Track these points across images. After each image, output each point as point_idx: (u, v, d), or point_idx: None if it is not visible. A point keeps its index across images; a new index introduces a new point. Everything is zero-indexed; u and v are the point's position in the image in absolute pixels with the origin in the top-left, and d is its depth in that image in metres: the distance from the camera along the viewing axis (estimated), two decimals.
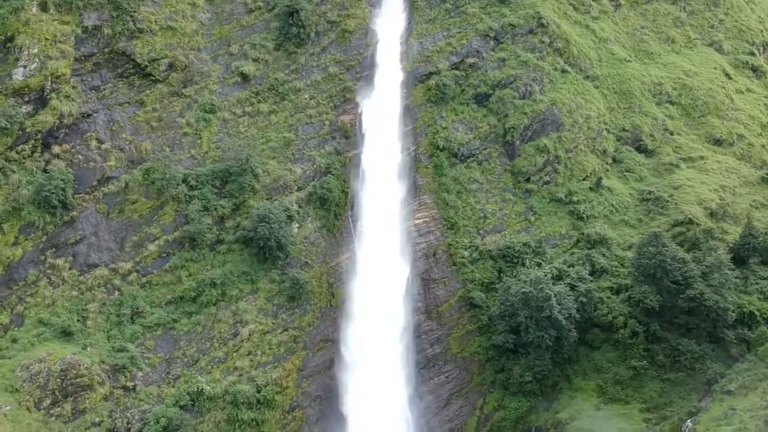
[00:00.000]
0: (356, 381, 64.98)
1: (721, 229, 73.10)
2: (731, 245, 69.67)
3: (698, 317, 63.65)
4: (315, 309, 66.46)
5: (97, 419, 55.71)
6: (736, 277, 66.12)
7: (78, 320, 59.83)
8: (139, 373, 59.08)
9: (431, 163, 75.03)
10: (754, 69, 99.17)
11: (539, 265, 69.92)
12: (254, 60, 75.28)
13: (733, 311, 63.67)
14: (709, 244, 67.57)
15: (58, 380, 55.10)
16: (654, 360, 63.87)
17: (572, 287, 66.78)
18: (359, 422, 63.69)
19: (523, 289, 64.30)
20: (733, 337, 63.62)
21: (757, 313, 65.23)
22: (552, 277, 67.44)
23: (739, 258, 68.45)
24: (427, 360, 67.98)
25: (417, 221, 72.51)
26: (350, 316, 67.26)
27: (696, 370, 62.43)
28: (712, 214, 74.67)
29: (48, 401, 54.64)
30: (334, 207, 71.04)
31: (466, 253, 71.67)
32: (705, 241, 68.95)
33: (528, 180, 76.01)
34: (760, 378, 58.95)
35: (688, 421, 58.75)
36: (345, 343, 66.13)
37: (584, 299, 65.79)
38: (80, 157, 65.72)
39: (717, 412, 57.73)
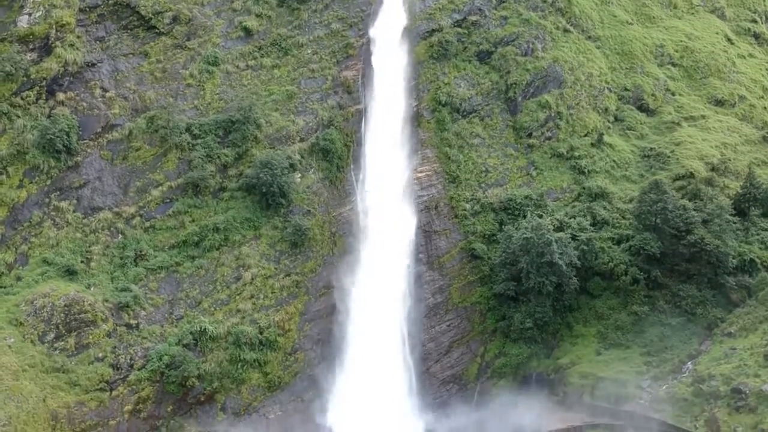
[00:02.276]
0: (358, 327, 65.15)
1: (723, 184, 73.16)
2: (732, 197, 69.79)
3: (699, 263, 63.95)
4: (317, 256, 66.76)
5: (100, 354, 56.04)
6: (738, 229, 66.43)
7: (82, 261, 60.29)
8: (142, 312, 59.46)
9: (433, 118, 75.25)
10: (756, 36, 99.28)
11: (540, 217, 69.78)
12: (257, 15, 75.63)
13: (733, 257, 63.98)
14: (710, 193, 67.73)
15: (62, 315, 55.49)
16: (655, 306, 64.11)
17: (574, 237, 66.98)
18: (361, 367, 63.86)
19: (525, 235, 64.55)
20: (734, 284, 63.85)
21: (758, 260, 65.46)
22: (553, 228, 67.64)
23: (740, 210, 68.52)
24: (429, 309, 68.16)
25: (419, 175, 72.71)
26: (352, 265, 67.44)
27: (697, 314, 62.64)
28: (713, 169, 74.67)
29: (52, 335, 55.05)
30: (337, 159, 71.26)
31: (467, 206, 71.90)
32: (706, 191, 68.98)
33: (530, 135, 76.22)
34: (761, 320, 59.29)
35: (689, 362, 59.03)
36: (347, 291, 66.25)
37: (585, 247, 66.00)
38: (84, 104, 66.24)
39: (717, 353, 58.07)
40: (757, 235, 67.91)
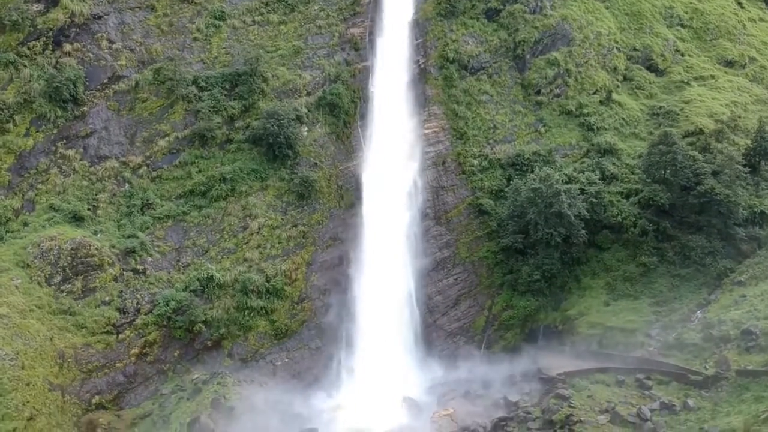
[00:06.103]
0: (365, 278, 64.92)
1: (732, 141, 72.36)
2: (743, 153, 69.00)
3: (709, 214, 63.22)
4: (324, 208, 66.55)
5: (107, 298, 56.02)
6: (748, 183, 65.79)
7: (88, 208, 60.31)
8: (149, 259, 59.37)
9: (441, 75, 74.72)
10: (767, 1, 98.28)
11: None
12: None
13: (743, 209, 63.29)
14: (720, 146, 67.04)
15: (69, 258, 55.44)
16: (664, 257, 63.46)
17: (582, 191, 66.51)
18: (368, 318, 63.67)
19: (533, 186, 64.13)
20: (744, 235, 63.08)
21: None
22: (562, 183, 67.06)
23: (750, 164, 67.64)
24: (436, 263, 67.89)
25: (426, 131, 72.26)
26: (359, 218, 67.16)
27: (706, 265, 61.95)
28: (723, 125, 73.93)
29: (58, 278, 55.04)
30: (344, 115, 70.96)
31: (475, 162, 71.46)
32: (715, 146, 68.23)
33: (538, 93, 75.68)
34: None
35: (698, 311, 58.53)
36: (353, 243, 66.00)
37: (594, 200, 65.54)
38: (91, 55, 66.13)
39: (727, 301, 57.52)
40: None
